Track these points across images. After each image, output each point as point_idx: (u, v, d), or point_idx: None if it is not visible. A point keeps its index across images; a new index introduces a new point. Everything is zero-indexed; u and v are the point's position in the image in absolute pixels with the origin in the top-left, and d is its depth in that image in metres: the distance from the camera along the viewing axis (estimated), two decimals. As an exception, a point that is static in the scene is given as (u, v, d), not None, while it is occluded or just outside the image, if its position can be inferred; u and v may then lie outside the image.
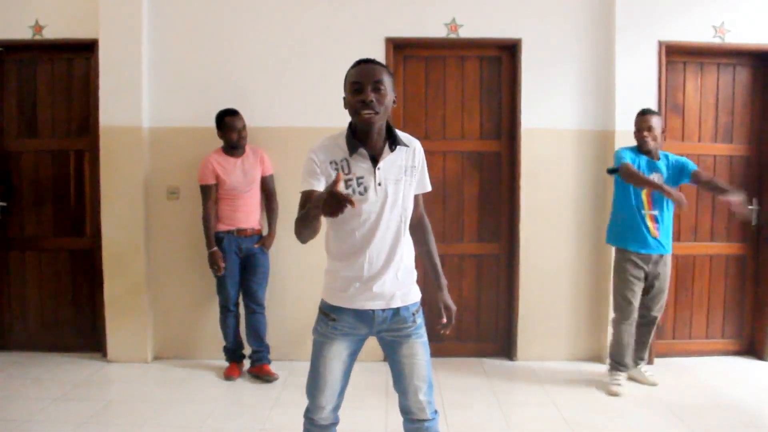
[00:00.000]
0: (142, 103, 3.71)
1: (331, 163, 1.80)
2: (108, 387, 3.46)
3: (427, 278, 2.10)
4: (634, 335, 3.43)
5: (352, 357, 1.95)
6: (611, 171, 3.38)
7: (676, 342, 3.97)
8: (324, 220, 1.74)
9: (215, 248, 3.44)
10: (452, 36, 3.77)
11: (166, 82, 3.77)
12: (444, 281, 2.09)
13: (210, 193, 3.46)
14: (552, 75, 3.77)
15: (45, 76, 3.89)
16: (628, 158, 3.27)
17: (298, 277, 3.73)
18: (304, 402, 1.97)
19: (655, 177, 3.26)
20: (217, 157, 3.49)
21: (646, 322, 3.47)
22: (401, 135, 1.89)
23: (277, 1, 3.76)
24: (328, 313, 1.89)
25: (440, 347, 3.94)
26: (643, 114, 3.33)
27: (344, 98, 1.85)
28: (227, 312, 3.57)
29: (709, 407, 3.19)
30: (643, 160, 3.30)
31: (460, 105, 3.89)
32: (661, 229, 3.34)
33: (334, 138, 1.85)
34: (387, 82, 1.82)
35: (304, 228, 1.71)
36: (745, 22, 3.75)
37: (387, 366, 3.87)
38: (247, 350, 3.65)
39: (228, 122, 3.46)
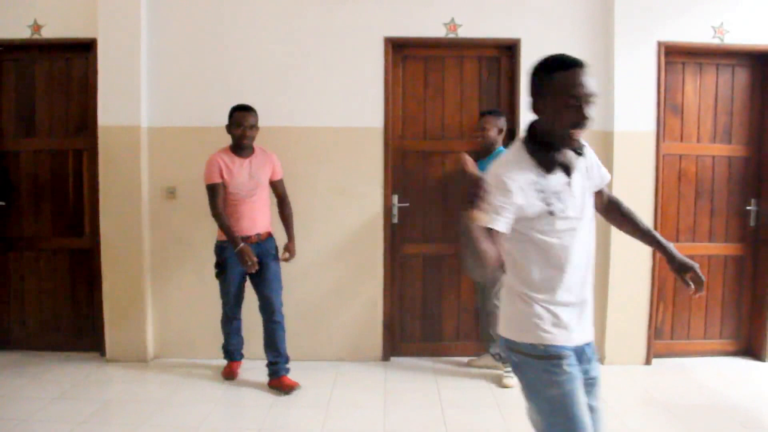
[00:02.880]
0: (140, 103, 3.70)
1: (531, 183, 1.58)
2: (106, 386, 3.46)
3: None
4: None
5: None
6: None
7: (674, 342, 3.98)
8: (508, 243, 1.62)
9: (242, 244, 3.19)
10: (451, 36, 3.77)
11: (165, 81, 3.76)
12: (666, 242, 1.85)
13: (218, 192, 3.24)
14: (551, 75, 3.77)
15: (43, 75, 3.88)
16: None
17: (298, 276, 3.74)
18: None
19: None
20: (223, 155, 3.29)
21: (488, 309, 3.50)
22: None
23: (276, 1, 3.75)
24: (559, 355, 1.66)
25: (439, 347, 3.95)
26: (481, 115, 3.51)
27: (540, 102, 1.64)
28: (229, 319, 3.49)
29: (707, 407, 3.19)
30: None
31: (459, 105, 3.89)
32: None
33: (515, 154, 1.65)
34: None
35: (477, 259, 1.46)
36: (744, 23, 3.74)
37: (385, 366, 3.90)
38: (241, 350, 3.62)
39: (236, 117, 3.27)
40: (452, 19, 3.76)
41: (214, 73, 3.76)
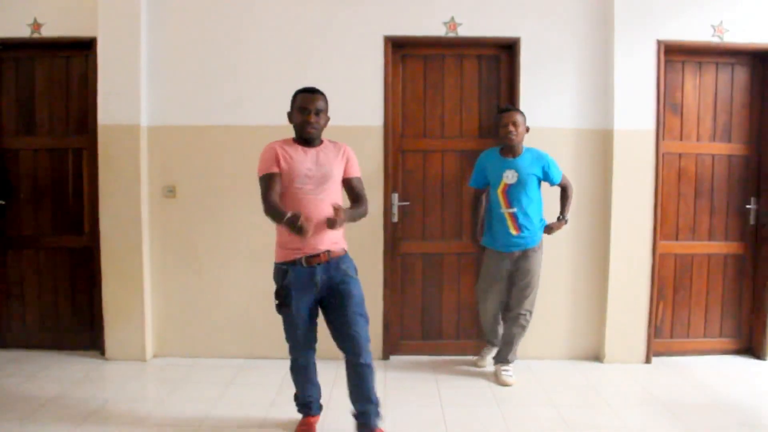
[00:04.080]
0: (140, 102, 3.70)
1: None
2: (106, 385, 3.46)
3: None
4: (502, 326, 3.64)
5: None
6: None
7: (674, 341, 3.98)
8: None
9: (290, 213, 2.37)
10: (451, 35, 3.77)
11: (165, 80, 3.76)
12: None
13: (273, 184, 2.53)
14: (550, 74, 3.77)
15: (43, 74, 3.88)
16: (477, 171, 3.52)
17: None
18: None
19: (508, 174, 3.36)
20: (282, 144, 2.66)
21: (513, 317, 3.52)
22: None
23: (277, 0, 3.75)
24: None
25: (439, 346, 3.96)
26: (506, 110, 3.41)
27: None
28: (300, 367, 2.77)
29: (707, 406, 3.19)
30: (496, 159, 3.44)
31: (459, 104, 3.89)
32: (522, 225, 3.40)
33: None
34: None
35: None
36: (743, 22, 3.75)
37: (385, 365, 3.90)
38: (319, 400, 2.94)
39: (300, 101, 2.63)
40: (452, 18, 3.76)
41: (214, 72, 3.76)
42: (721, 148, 3.93)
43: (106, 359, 3.79)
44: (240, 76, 3.76)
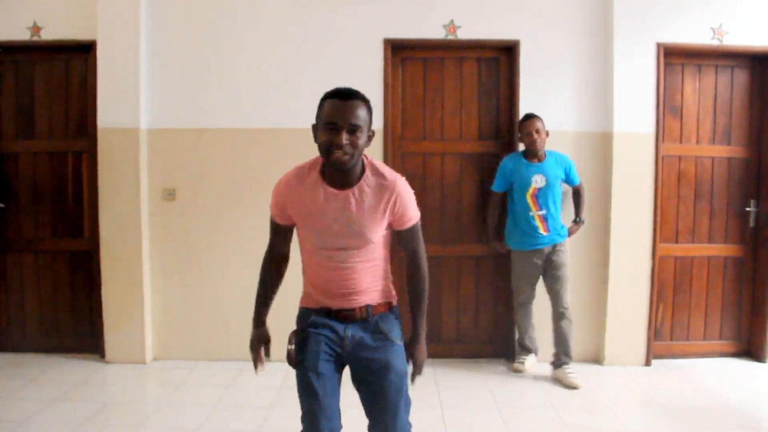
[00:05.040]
0: (140, 105, 3.70)
1: None
2: (106, 388, 3.46)
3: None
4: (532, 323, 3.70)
5: None
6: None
7: (674, 343, 3.98)
8: None
9: (258, 329, 2.02)
10: (450, 37, 3.77)
11: (164, 83, 3.76)
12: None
13: (275, 231, 1.94)
14: (550, 76, 3.77)
15: (43, 77, 3.89)
16: (500, 177, 3.62)
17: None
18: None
19: (537, 178, 3.50)
20: (300, 176, 1.83)
21: (557, 315, 3.58)
22: None
23: (276, 2, 3.75)
24: None
25: (439, 348, 3.95)
26: (530, 117, 3.52)
27: None
28: None
29: (707, 409, 3.19)
30: (522, 164, 3.55)
31: (459, 106, 3.89)
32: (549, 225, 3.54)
33: None
34: None
35: None
36: (743, 24, 3.75)
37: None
38: None
39: (327, 109, 1.74)
40: (451, 21, 3.76)
41: (213, 75, 3.76)
42: (721, 151, 3.93)
43: (106, 362, 3.79)
44: (239, 79, 3.76)
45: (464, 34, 3.76)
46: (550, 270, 3.56)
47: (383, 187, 1.74)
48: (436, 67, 3.87)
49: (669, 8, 3.72)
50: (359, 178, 1.75)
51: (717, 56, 3.86)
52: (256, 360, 1.98)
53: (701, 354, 3.97)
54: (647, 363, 3.82)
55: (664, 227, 3.85)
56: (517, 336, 3.78)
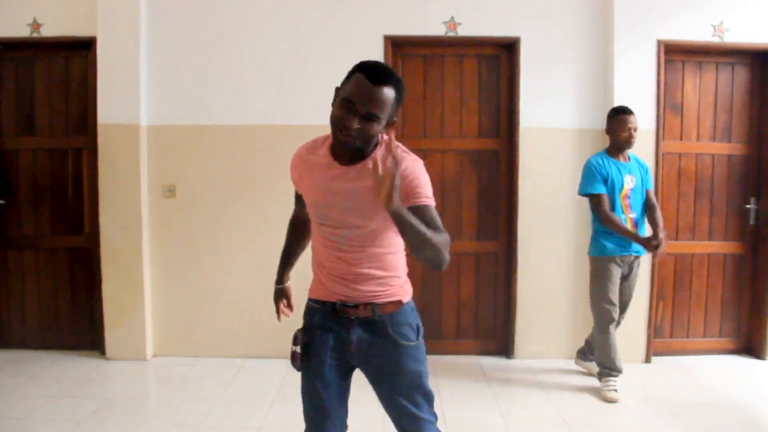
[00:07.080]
0: (140, 101, 3.70)
1: None
2: (107, 385, 3.46)
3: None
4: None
5: None
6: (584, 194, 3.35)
7: (674, 341, 3.98)
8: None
9: (276, 287, 2.01)
10: (451, 34, 3.77)
11: (165, 79, 3.76)
12: None
13: (296, 203, 1.99)
14: (550, 73, 3.77)
15: (43, 73, 3.88)
16: (600, 179, 3.24)
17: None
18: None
19: (628, 179, 3.28)
20: (313, 147, 1.81)
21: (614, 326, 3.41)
22: None
23: (276, -1, 3.76)
24: None
25: (438, 345, 3.95)
26: (628, 113, 3.27)
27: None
28: None
29: (706, 406, 3.20)
30: (613, 164, 3.29)
31: (459, 103, 3.88)
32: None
33: None
34: None
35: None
36: (743, 22, 3.74)
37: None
38: None
39: (352, 85, 1.59)
40: (452, 18, 3.76)
41: (213, 71, 3.76)
42: (721, 148, 3.93)
43: (107, 359, 3.79)
44: (240, 75, 3.75)
45: (465, 30, 3.76)
46: (624, 281, 3.35)
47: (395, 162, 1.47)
48: (436, 64, 3.87)
49: (670, 5, 3.72)
50: (368, 155, 1.64)
51: (718, 53, 3.86)
52: (278, 311, 2.01)
53: (701, 351, 3.98)
54: (647, 360, 3.83)
55: (664, 224, 3.81)
56: (598, 359, 3.37)
